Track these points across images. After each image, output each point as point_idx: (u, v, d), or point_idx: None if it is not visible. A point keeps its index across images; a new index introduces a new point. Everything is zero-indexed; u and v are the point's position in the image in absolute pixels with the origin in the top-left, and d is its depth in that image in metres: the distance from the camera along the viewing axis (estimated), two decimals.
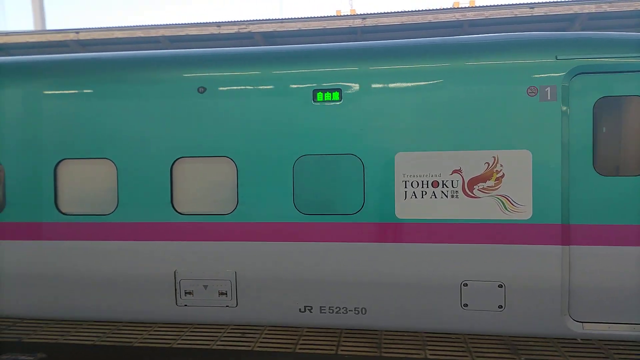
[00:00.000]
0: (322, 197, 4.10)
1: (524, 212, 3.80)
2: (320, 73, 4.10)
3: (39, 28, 24.67)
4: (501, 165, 3.82)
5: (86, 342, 3.91)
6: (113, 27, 18.71)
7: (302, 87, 4.09)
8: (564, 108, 3.77)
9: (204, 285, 4.23)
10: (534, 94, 3.79)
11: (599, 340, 3.78)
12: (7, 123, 4.38)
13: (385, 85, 3.99)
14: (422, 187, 3.94)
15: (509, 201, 3.82)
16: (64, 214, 4.32)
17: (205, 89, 4.22)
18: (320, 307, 4.14)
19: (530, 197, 3.79)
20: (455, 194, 3.89)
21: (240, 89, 4.19)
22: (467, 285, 3.91)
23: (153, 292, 4.23)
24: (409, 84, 3.97)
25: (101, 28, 18.47)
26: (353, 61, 4.11)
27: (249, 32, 15.12)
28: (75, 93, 4.37)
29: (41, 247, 4.33)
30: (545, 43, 3.92)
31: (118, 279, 4.25)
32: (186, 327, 4.22)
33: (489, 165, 3.84)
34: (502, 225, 3.83)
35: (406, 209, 3.96)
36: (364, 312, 4.08)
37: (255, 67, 4.24)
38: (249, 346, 3.82)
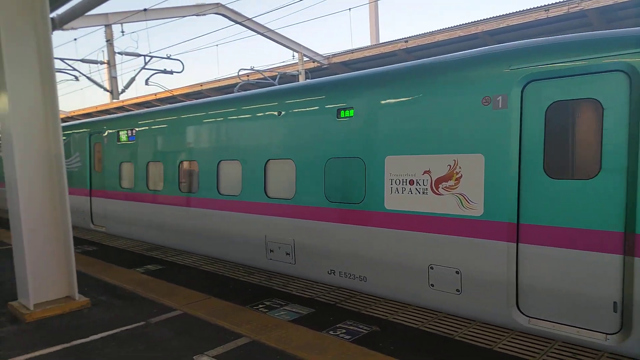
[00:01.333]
0: (341, 190, 5.35)
1: (476, 210, 4.23)
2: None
3: (374, 42, 28.44)
4: (460, 167, 4.32)
5: (412, 325, 4.18)
6: (435, 31, 19.76)
7: (330, 107, 5.45)
8: (516, 115, 3.98)
9: (278, 247, 6.00)
10: (487, 104, 4.14)
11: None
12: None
13: (379, 104, 4.99)
14: (402, 184, 4.74)
15: (466, 199, 4.30)
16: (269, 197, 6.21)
17: (280, 113, 5.99)
18: (339, 272, 5.37)
19: (482, 196, 4.18)
20: (425, 191, 4.58)
21: (297, 111, 5.86)
22: (433, 268, 4.57)
23: (254, 248, 6.33)
24: (395, 100, 4.85)
25: (425, 34, 19.81)
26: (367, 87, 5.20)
27: (581, 10, 13.38)
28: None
29: None
30: (499, 55, 4.23)
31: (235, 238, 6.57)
32: (511, 334, 3.98)
33: (450, 167, 4.39)
34: (459, 219, 4.34)
35: (392, 202, 4.82)
36: (365, 280, 5.14)
37: (304, 96, 5.89)
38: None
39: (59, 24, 8.59)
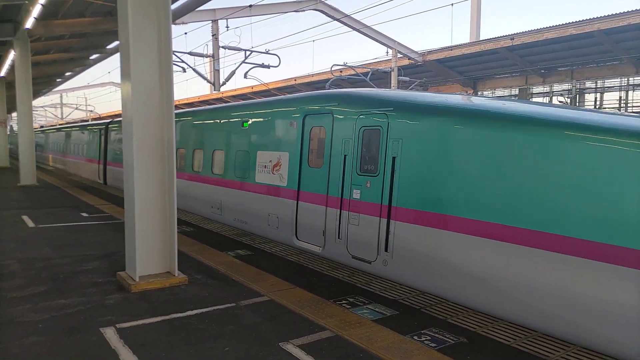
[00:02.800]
0: (240, 170, 8.72)
1: (285, 182, 7.41)
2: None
3: (474, 39, 27.17)
4: (280, 159, 7.56)
5: (503, 341, 3.95)
6: (543, 29, 18.40)
7: (238, 120, 9.06)
8: (300, 132, 7.15)
9: (215, 204, 9.59)
10: (292, 125, 7.35)
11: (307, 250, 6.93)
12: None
13: (255, 121, 8.56)
14: (262, 167, 7.97)
15: (282, 176, 7.48)
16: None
17: (246, 121, 8.77)
18: (239, 219, 8.78)
19: (286, 175, 7.37)
20: (269, 172, 7.80)
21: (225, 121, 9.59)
22: (269, 215, 7.75)
23: (204, 205, 9.99)
24: (260, 119, 8.48)
25: (531, 31, 18.54)
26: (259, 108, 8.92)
27: None
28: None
29: None
30: (298, 100, 7.59)
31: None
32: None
33: (278, 159, 7.61)
34: (280, 187, 7.53)
35: (258, 177, 8.11)
36: (246, 223, 8.53)
37: (232, 112, 9.66)
38: None
39: (173, 18, 9.36)
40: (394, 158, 5.44)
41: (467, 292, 4.69)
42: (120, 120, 13.37)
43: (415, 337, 3.93)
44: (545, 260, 4.03)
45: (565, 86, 27.43)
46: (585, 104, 27.16)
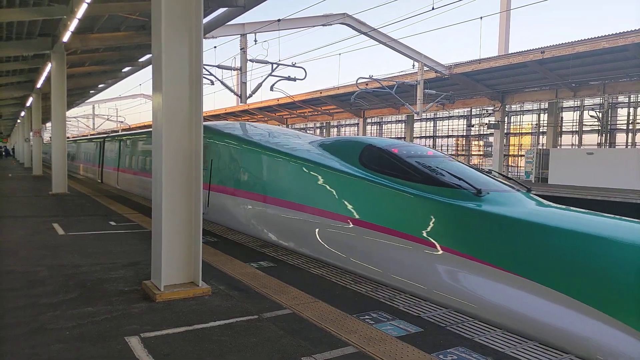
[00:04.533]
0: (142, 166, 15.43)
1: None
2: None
3: (502, 52, 26.85)
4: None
5: None
6: (575, 42, 18.05)
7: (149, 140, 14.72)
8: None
9: (141, 186, 15.73)
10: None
11: None
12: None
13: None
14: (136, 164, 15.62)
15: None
16: None
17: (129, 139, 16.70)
18: (145, 197, 14.48)
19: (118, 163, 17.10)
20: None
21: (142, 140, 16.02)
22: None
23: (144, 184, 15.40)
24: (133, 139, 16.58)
25: (562, 44, 18.20)
26: None
27: None
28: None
29: None
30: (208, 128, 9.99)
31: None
32: None
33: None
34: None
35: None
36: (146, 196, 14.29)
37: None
38: None
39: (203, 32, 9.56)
40: (212, 160, 9.75)
41: (240, 226, 8.88)
42: (112, 135, 20.79)
43: (441, 356, 3.82)
44: (271, 209, 8.15)
45: (597, 100, 26.76)
46: (618, 118, 26.37)
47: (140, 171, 15.34)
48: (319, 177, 7.16)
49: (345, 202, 6.77)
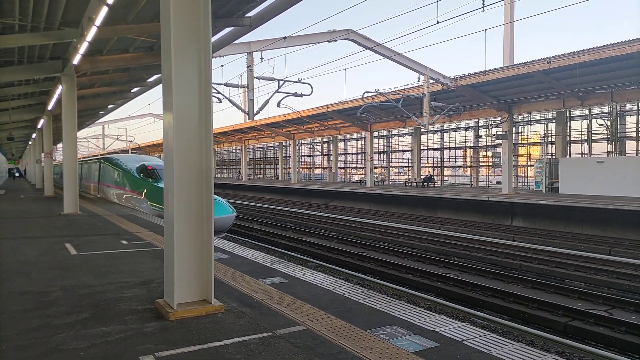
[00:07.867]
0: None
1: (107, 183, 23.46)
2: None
3: (508, 63, 26.89)
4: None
5: None
6: (581, 51, 18.04)
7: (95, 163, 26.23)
8: (98, 167, 24.78)
9: (104, 191, 24.11)
10: (97, 165, 25.17)
11: None
12: None
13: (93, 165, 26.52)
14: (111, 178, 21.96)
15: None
16: None
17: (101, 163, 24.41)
18: (101, 196, 24.24)
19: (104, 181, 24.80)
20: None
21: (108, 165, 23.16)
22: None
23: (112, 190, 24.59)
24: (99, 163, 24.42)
25: (568, 54, 18.20)
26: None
27: None
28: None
29: None
30: (97, 157, 26.48)
31: None
32: None
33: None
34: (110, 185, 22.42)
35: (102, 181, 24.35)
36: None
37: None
38: None
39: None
40: (99, 171, 22.20)
41: (109, 198, 21.31)
42: (107, 156, 24.26)
43: None
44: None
45: (605, 109, 26.59)
46: (627, 126, 26.17)
47: (107, 183, 23.44)
48: (124, 175, 18.77)
49: (128, 184, 18.16)
